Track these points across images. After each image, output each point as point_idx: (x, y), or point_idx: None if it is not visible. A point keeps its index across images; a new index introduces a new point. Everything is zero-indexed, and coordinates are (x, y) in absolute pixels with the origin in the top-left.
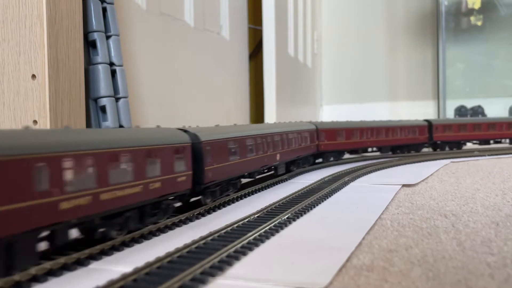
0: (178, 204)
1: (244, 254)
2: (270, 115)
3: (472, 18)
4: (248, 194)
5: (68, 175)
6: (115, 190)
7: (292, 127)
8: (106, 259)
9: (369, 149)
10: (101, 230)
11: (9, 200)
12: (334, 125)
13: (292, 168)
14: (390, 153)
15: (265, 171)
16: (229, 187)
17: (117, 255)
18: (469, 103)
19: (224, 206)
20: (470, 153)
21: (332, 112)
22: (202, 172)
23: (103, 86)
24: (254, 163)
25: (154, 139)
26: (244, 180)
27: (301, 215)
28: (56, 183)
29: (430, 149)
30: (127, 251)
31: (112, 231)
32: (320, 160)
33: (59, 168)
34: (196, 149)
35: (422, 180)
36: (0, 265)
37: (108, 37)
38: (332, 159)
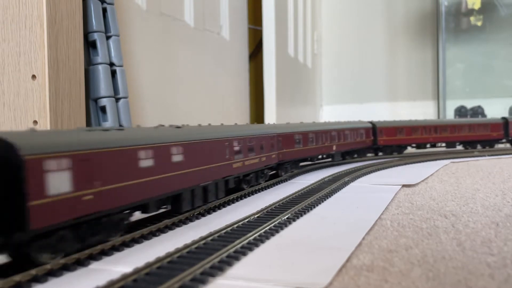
0: (271, 172)
1: (244, 254)
2: (270, 115)
3: (472, 18)
4: (248, 194)
5: (236, 150)
6: (249, 160)
7: (342, 125)
8: (106, 259)
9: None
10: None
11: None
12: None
13: (347, 157)
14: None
15: (324, 157)
16: (293, 166)
17: (117, 255)
18: (469, 104)
19: (224, 206)
20: (470, 153)
21: (332, 112)
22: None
23: (103, 86)
24: (313, 151)
25: (261, 131)
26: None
27: (301, 215)
28: (231, 153)
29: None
30: (127, 251)
31: (244, 185)
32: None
33: (232, 145)
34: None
35: (422, 180)
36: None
37: (108, 38)
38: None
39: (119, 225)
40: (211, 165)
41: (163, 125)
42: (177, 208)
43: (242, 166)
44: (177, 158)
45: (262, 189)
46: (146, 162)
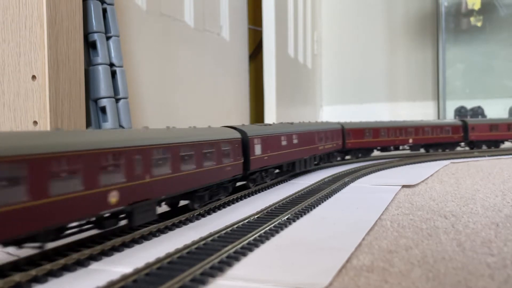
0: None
1: (244, 254)
2: (270, 116)
3: (472, 19)
4: (248, 195)
5: (320, 138)
6: (326, 145)
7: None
8: (106, 259)
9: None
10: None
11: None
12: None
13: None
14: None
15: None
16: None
17: (117, 256)
18: (469, 104)
19: (224, 207)
20: (470, 154)
21: (332, 112)
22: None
23: (103, 86)
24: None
25: (330, 126)
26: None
27: (301, 216)
28: (318, 141)
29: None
30: (127, 251)
31: (322, 162)
32: None
33: (319, 135)
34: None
35: (422, 181)
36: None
37: (108, 38)
38: None
39: (288, 172)
40: (309, 146)
41: (282, 123)
42: (292, 169)
43: (323, 149)
44: (295, 141)
45: (262, 189)
46: (284, 142)
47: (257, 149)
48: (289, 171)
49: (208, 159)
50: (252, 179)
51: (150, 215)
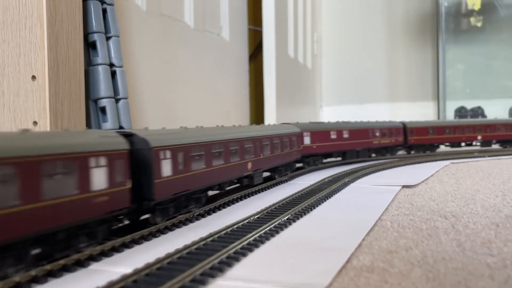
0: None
1: (244, 255)
2: (270, 116)
3: (472, 19)
4: (248, 195)
5: (376, 134)
6: (383, 140)
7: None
8: (106, 260)
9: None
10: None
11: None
12: None
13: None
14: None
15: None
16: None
17: (117, 256)
18: (469, 104)
19: (224, 207)
20: (470, 154)
21: (332, 113)
22: None
23: (103, 87)
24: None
25: (390, 124)
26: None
27: (301, 216)
28: (372, 136)
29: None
30: (127, 252)
31: (374, 153)
32: None
33: (374, 131)
34: None
35: (422, 181)
36: None
37: (108, 38)
38: None
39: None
40: (362, 140)
41: (337, 121)
42: (344, 158)
43: (378, 143)
44: (345, 135)
45: (262, 190)
46: (333, 136)
47: (307, 140)
48: (345, 158)
49: (284, 146)
50: (306, 162)
51: (261, 178)
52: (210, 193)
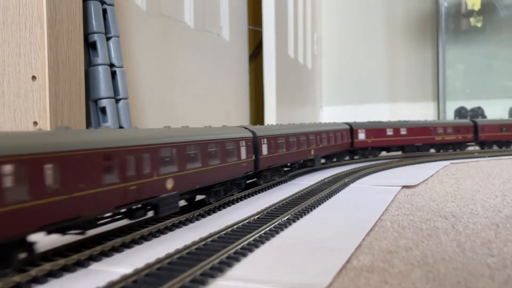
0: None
1: (244, 255)
2: (270, 116)
3: (472, 20)
4: (248, 195)
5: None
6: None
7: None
8: (106, 260)
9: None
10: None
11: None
12: None
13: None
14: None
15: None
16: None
17: (117, 256)
18: (469, 105)
19: (224, 207)
20: (470, 154)
21: (332, 113)
22: None
23: (103, 87)
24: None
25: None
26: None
27: (301, 216)
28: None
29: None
30: (127, 252)
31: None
32: None
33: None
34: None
35: (422, 182)
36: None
37: (108, 39)
38: None
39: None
40: (421, 136)
41: (381, 121)
42: (402, 150)
43: (441, 140)
44: (403, 132)
45: (262, 190)
46: (389, 133)
47: (361, 136)
48: (403, 151)
49: (336, 139)
50: (361, 153)
51: (319, 162)
52: (285, 169)
